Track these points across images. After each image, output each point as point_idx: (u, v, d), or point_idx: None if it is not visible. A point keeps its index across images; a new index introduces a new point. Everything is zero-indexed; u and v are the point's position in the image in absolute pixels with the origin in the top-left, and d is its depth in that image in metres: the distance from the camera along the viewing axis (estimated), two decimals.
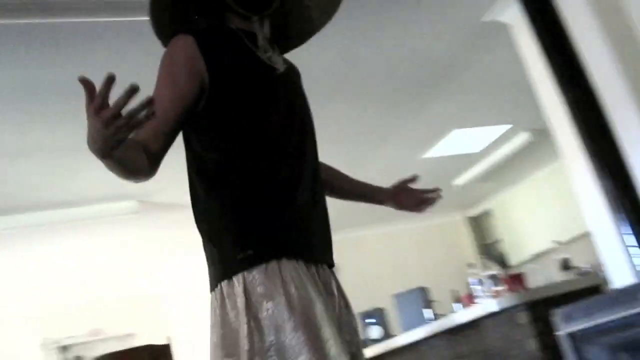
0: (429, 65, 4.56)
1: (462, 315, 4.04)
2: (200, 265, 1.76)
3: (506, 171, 7.22)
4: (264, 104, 1.57)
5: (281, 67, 1.63)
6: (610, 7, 3.27)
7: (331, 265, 1.62)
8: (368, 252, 8.04)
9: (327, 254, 1.62)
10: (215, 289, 1.49)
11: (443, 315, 4.56)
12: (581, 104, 3.02)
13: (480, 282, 4.27)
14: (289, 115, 1.60)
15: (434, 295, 5.13)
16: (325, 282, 1.56)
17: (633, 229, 2.83)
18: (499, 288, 4.14)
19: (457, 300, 4.96)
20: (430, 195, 1.93)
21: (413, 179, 1.91)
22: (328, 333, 1.42)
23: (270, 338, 1.39)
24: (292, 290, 1.42)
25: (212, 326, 1.48)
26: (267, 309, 1.40)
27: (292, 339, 1.38)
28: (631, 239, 2.83)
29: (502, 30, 4.04)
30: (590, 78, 3.07)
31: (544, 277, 5.67)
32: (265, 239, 1.48)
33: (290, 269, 1.45)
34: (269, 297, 1.41)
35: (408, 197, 1.92)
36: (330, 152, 5.83)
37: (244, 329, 1.40)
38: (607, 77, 3.28)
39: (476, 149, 6.47)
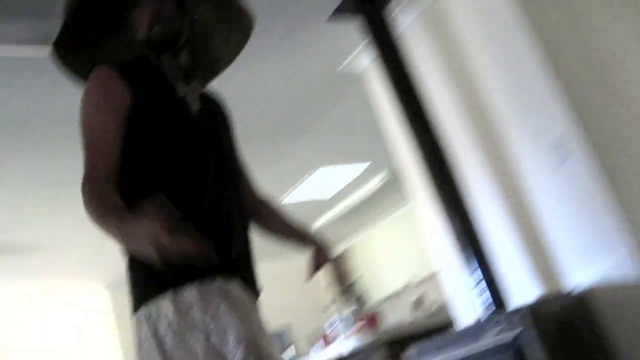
0: (288, 110, 4.63)
1: (320, 355, 4.07)
2: None
3: (366, 211, 7.42)
4: (180, 137, 1.58)
5: (195, 106, 1.64)
6: (456, 59, 3.49)
7: (258, 293, 1.64)
8: None
9: (255, 282, 1.63)
10: (139, 310, 1.46)
11: (302, 356, 4.57)
12: (427, 149, 3.17)
13: (338, 322, 4.33)
14: (204, 151, 1.60)
15: (294, 336, 5.14)
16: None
17: (477, 269, 2.98)
18: (356, 328, 4.22)
19: (316, 340, 4.99)
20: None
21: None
22: (267, 343, 1.45)
23: (210, 351, 1.38)
24: (229, 304, 1.43)
25: (139, 348, 1.45)
26: (204, 324, 1.40)
27: (235, 352, 1.38)
28: (475, 278, 2.97)
29: (356, 79, 4.19)
30: (437, 124, 3.24)
31: (400, 315, 5.84)
32: None
33: (226, 285, 1.47)
34: (205, 312, 1.40)
35: (319, 263, 1.87)
36: None
37: (181, 347, 1.39)
38: (452, 123, 3.48)
39: (335, 190, 6.60)
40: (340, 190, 6.64)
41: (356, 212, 7.28)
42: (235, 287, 1.49)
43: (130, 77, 1.57)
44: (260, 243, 1.88)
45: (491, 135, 3.33)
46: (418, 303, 6.11)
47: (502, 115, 3.28)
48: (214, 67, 1.89)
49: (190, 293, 1.42)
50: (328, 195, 6.61)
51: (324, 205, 6.98)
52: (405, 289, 6.91)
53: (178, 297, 1.41)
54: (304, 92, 4.40)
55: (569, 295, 2.98)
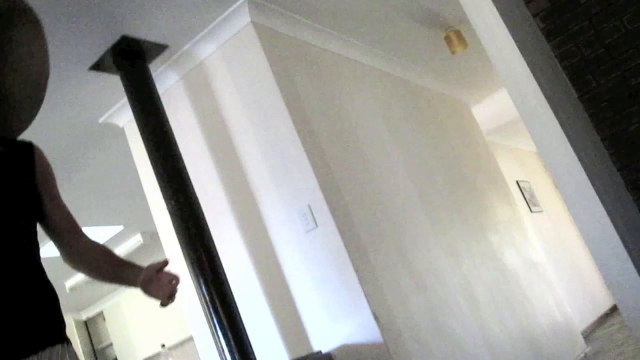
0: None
1: None
2: None
3: None
4: None
5: None
6: (217, 122, 3.54)
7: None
8: None
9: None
10: None
11: None
12: (183, 211, 3.14)
13: None
14: None
15: None
16: None
17: (227, 334, 2.97)
18: None
19: None
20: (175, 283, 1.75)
21: (165, 264, 1.74)
22: None
23: None
24: None
25: None
26: None
27: None
28: (225, 343, 2.97)
29: (118, 133, 4.07)
30: (194, 186, 3.24)
31: None
32: None
33: None
34: None
35: (157, 287, 1.72)
36: None
37: None
38: (209, 185, 3.51)
39: None
40: None
41: None
42: None
43: None
44: None
45: (247, 200, 3.40)
46: None
47: (259, 181, 3.37)
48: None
49: None
50: None
51: None
52: (159, 354, 6.69)
53: None
54: (63, 141, 4.15)
55: (317, 355, 3.08)
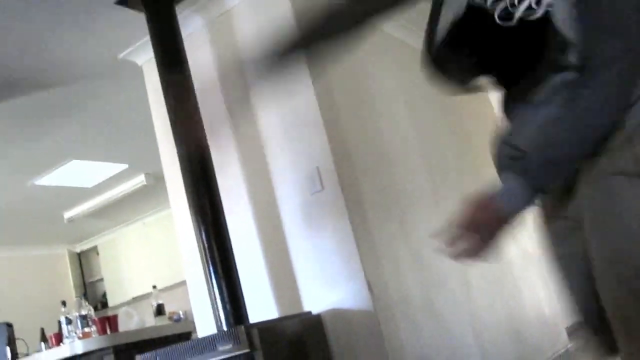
0: (62, 90, 4.33)
1: (45, 356, 3.81)
2: None
3: (118, 210, 7.16)
4: None
5: None
6: (235, 72, 3.51)
7: None
8: None
9: None
10: None
11: (27, 355, 4.27)
12: (192, 156, 3.14)
13: (70, 322, 4.09)
14: None
15: (22, 332, 4.79)
16: None
17: (221, 283, 3.00)
18: (89, 329, 4.02)
19: (45, 339, 4.68)
20: None
21: None
22: None
23: None
24: None
25: None
26: None
27: None
28: (218, 291, 3.00)
29: (136, 71, 4.05)
30: (205, 132, 3.23)
31: (139, 321, 5.68)
32: None
33: None
34: None
35: None
36: None
37: None
38: (219, 132, 3.49)
39: (91, 183, 6.31)
40: (101, 183, 6.38)
41: (109, 209, 7.01)
42: None
43: None
44: None
45: (257, 153, 3.40)
46: (159, 310, 6.00)
47: (271, 137, 3.36)
48: None
49: None
50: (89, 184, 6.32)
51: (77, 197, 6.62)
52: (150, 293, 6.77)
53: None
54: (79, 71, 4.13)
55: (307, 315, 3.12)
